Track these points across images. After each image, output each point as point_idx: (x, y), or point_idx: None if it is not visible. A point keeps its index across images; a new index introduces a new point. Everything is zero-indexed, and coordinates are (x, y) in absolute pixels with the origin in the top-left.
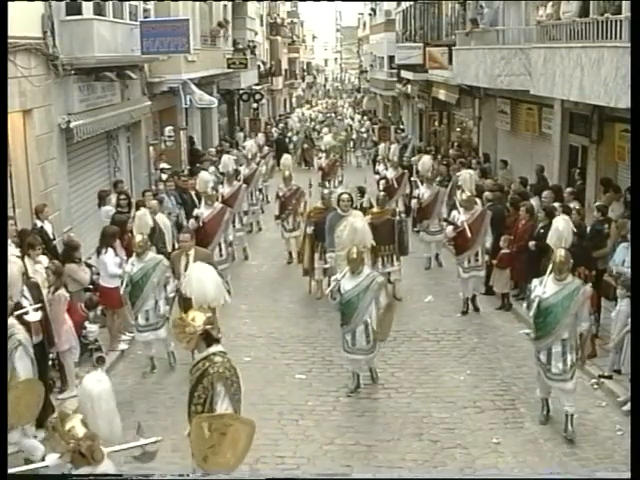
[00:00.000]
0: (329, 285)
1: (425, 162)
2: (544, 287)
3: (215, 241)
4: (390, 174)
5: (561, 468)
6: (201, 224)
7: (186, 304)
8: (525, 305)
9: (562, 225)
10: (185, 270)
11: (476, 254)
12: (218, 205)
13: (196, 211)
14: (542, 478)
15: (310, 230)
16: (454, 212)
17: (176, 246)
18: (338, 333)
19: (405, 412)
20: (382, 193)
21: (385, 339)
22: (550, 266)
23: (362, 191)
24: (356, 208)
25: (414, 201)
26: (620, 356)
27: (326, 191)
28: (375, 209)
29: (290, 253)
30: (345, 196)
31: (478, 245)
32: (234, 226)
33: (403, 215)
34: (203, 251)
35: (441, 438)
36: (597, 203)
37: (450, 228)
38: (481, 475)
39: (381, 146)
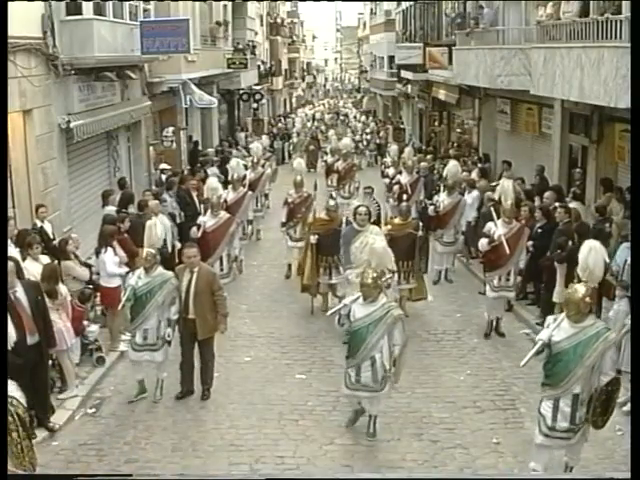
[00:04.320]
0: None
1: (451, 168)
2: (557, 327)
3: (217, 254)
4: (404, 179)
5: (561, 468)
6: (201, 234)
7: (187, 326)
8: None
9: (588, 255)
10: (188, 288)
11: (508, 273)
12: (225, 215)
13: (200, 219)
14: (542, 478)
15: (314, 239)
16: (490, 224)
17: (177, 246)
18: (338, 333)
19: (405, 412)
20: (405, 204)
21: (397, 381)
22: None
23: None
24: (374, 223)
25: (431, 208)
26: (619, 355)
27: (332, 202)
28: (397, 220)
29: (289, 266)
30: (362, 209)
31: (512, 264)
32: None
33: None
34: (208, 270)
35: (441, 438)
36: (595, 205)
37: (485, 241)
38: (481, 475)
39: (393, 148)
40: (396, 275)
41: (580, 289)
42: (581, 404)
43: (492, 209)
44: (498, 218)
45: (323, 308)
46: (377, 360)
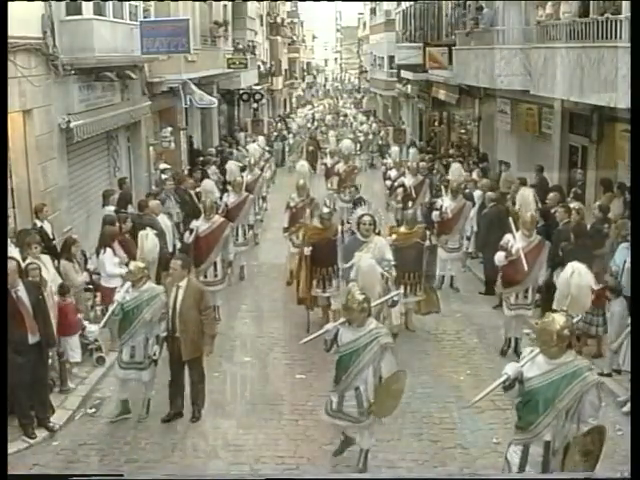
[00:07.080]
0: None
1: (454, 171)
2: (531, 361)
3: (210, 259)
4: (409, 181)
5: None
6: (194, 239)
7: (174, 344)
8: None
9: (570, 279)
10: (174, 304)
11: (526, 290)
12: (218, 219)
13: (193, 223)
14: (542, 478)
15: (307, 251)
16: (507, 236)
17: (177, 246)
18: None
19: (405, 412)
20: (411, 210)
21: (382, 417)
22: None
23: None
24: (379, 233)
25: (435, 213)
26: (619, 355)
27: (326, 210)
28: (403, 229)
29: (291, 272)
30: (367, 218)
31: (531, 281)
32: (236, 240)
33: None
34: (197, 286)
35: (441, 438)
36: (598, 202)
37: (502, 254)
38: (481, 475)
39: (394, 149)
40: (402, 288)
41: (559, 319)
42: (553, 454)
43: (511, 220)
44: (517, 230)
45: (323, 323)
46: (362, 392)
